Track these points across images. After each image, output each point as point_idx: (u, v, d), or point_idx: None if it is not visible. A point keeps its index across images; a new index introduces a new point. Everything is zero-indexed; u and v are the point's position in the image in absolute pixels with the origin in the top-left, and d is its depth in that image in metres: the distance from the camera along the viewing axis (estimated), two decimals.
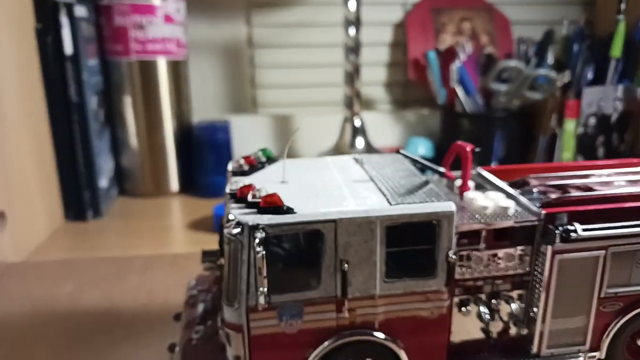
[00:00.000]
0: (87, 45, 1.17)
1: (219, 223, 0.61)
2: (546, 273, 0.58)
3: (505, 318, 0.62)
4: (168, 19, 1.27)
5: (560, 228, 0.57)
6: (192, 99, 1.48)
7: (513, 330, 0.62)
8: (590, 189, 0.62)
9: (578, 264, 0.59)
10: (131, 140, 1.32)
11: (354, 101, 1.27)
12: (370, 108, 1.67)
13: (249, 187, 0.52)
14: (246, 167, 0.61)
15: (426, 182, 0.58)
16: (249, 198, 0.51)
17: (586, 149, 1.46)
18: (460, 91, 1.46)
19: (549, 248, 0.57)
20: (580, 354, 0.64)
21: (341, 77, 1.38)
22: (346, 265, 0.51)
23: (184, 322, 0.65)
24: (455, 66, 1.40)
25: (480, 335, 0.64)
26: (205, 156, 1.32)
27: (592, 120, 1.44)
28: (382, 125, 1.59)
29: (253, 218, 0.48)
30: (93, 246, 1.07)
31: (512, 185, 0.64)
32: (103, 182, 1.23)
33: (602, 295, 0.61)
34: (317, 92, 1.60)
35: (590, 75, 1.48)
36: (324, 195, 0.54)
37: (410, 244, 0.53)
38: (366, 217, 0.51)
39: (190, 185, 1.38)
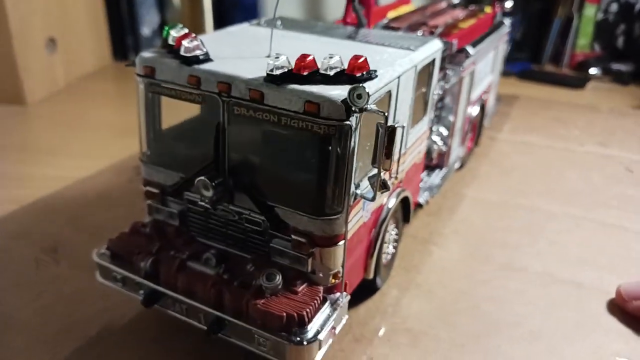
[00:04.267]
0: None
1: None
2: (457, 87, 0.71)
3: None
4: None
5: (463, 51, 0.70)
6: None
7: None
8: (426, 24, 0.74)
9: (466, 78, 0.73)
10: None
11: None
12: None
13: (305, 57, 0.40)
14: (205, 49, 0.44)
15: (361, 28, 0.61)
16: (324, 69, 0.40)
17: (604, 36, 1.44)
18: None
19: (459, 69, 0.69)
20: (459, 157, 0.80)
21: None
22: (399, 122, 0.49)
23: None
24: None
25: None
26: (234, 16, 1.50)
27: (615, 7, 1.42)
28: None
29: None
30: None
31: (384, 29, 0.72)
32: (145, 30, 1.45)
33: (469, 101, 0.77)
34: None
35: None
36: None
37: (416, 89, 0.53)
38: (414, 65, 0.49)
39: None
